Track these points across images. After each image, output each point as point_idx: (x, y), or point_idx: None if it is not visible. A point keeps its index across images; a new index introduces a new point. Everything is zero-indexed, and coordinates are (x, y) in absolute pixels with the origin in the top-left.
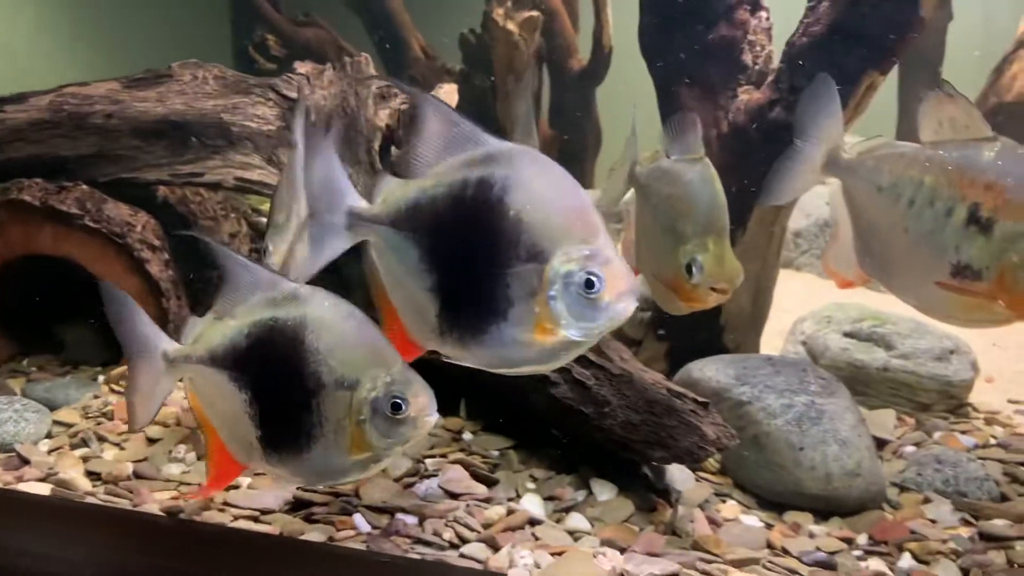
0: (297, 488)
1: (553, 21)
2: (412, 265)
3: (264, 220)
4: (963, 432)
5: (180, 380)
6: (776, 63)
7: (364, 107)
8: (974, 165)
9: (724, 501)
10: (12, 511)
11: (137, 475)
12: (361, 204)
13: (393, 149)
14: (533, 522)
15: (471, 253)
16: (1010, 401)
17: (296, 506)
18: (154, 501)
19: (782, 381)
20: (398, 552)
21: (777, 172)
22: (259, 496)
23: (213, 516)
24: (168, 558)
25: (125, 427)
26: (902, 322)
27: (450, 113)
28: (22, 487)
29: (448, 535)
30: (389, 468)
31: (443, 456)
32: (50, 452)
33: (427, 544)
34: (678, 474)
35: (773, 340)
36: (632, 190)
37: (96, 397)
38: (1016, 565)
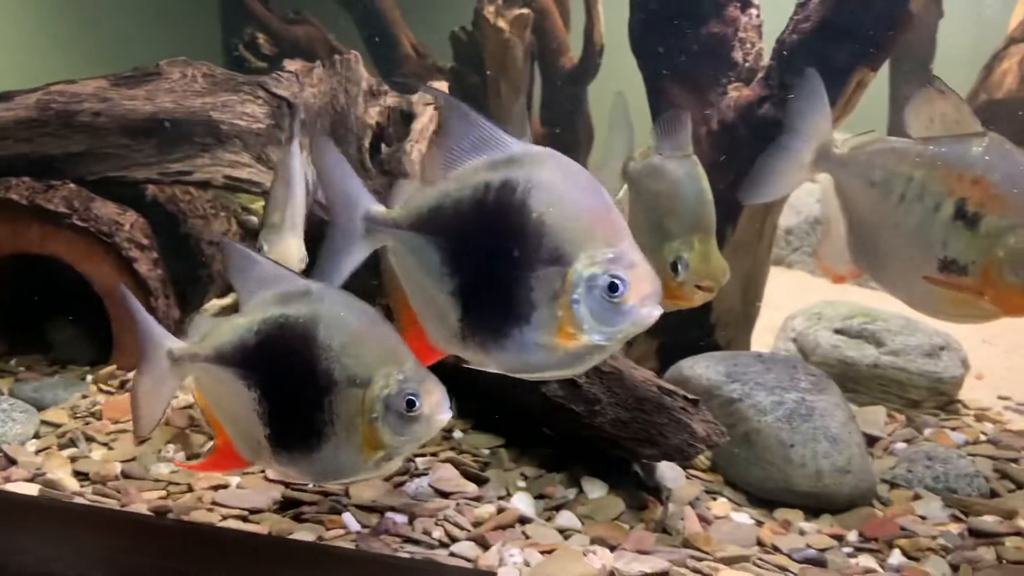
0: (287, 487)
1: (544, 19)
2: (433, 269)
3: (254, 219)
4: (953, 429)
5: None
6: (766, 60)
7: (354, 105)
8: (962, 160)
9: (715, 499)
10: None
11: (125, 475)
12: (379, 209)
13: (383, 147)
14: (523, 520)
15: (493, 256)
16: (1000, 397)
17: (285, 505)
18: (142, 501)
19: (772, 378)
20: (387, 551)
21: (764, 169)
22: (248, 495)
23: (202, 516)
24: (156, 558)
25: (114, 427)
26: (892, 319)
27: (472, 115)
28: (9, 487)
29: (438, 534)
30: None
31: (433, 455)
32: (38, 452)
33: (416, 543)
34: (669, 472)
35: (764, 337)
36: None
37: (84, 397)
38: (1005, 561)
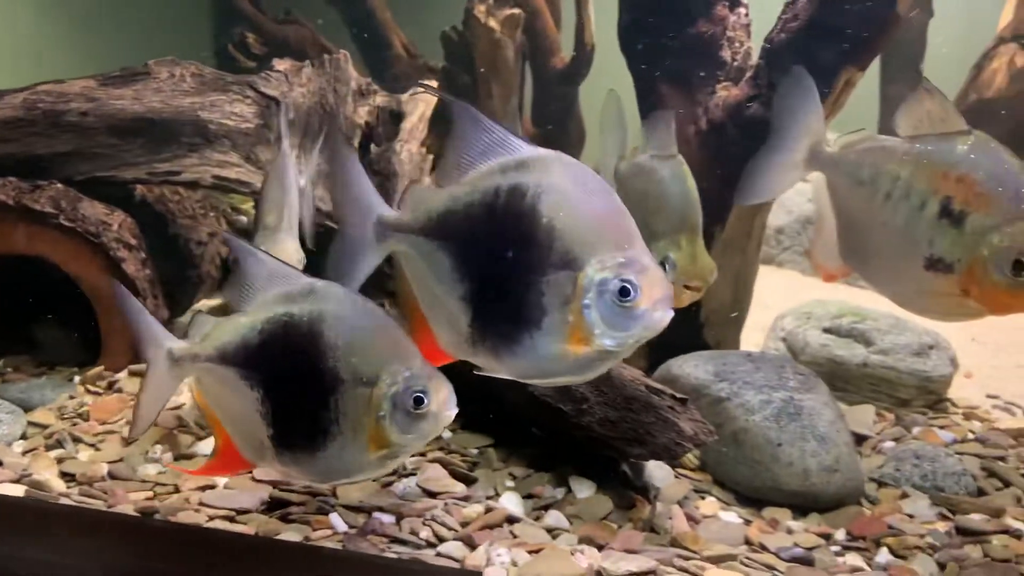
0: (275, 487)
1: (535, 19)
2: (444, 274)
3: (244, 219)
4: (942, 427)
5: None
6: (755, 59)
7: (343, 104)
8: (947, 159)
9: (703, 498)
10: None
11: (112, 476)
12: (390, 213)
13: (372, 146)
14: (511, 520)
15: (504, 261)
16: (988, 396)
17: (272, 506)
18: (129, 502)
19: (761, 377)
20: (374, 551)
21: (758, 169)
22: (235, 496)
23: (188, 516)
24: (142, 558)
25: (101, 428)
26: (882, 318)
27: (481, 119)
28: None
29: (425, 534)
30: None
31: (422, 454)
32: (24, 453)
33: (404, 543)
34: (657, 471)
35: (754, 336)
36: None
37: (72, 398)
38: (992, 559)
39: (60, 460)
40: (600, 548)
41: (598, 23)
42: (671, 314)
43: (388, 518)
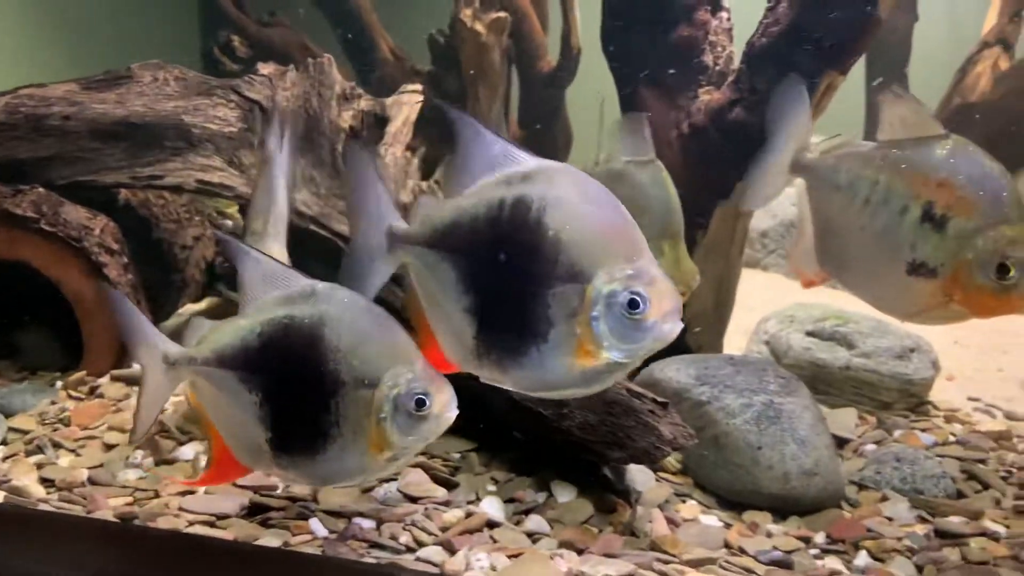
0: (255, 492)
1: (522, 23)
2: (450, 286)
3: (229, 223)
4: (923, 430)
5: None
6: (737, 63)
7: (327, 108)
8: (926, 163)
9: (684, 501)
10: None
11: (92, 481)
12: (400, 224)
13: None
14: (491, 525)
15: (510, 273)
16: (970, 399)
17: (252, 511)
18: (109, 507)
19: (742, 381)
20: (353, 556)
21: (753, 174)
22: (215, 501)
23: (168, 521)
24: (121, 563)
25: (82, 433)
26: (864, 321)
27: (486, 132)
28: None
29: (405, 539)
30: None
31: None
32: (5, 459)
33: (383, 548)
34: (639, 475)
35: (737, 339)
36: None
37: (53, 403)
38: (970, 562)
39: (40, 466)
40: (580, 552)
41: (584, 26)
42: (680, 326)
43: (368, 523)
